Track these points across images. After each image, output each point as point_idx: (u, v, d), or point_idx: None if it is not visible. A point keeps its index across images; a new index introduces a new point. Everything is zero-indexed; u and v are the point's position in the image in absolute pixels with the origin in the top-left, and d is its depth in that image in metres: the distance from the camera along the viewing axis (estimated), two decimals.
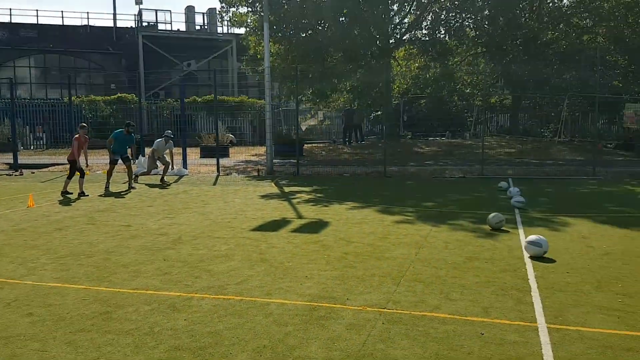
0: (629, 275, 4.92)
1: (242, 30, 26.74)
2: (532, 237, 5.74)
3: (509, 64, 22.29)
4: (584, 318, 3.88)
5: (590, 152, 15.58)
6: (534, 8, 23.32)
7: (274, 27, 21.03)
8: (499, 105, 30.23)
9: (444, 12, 22.94)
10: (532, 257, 5.59)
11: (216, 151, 17.00)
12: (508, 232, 7.01)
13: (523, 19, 22.82)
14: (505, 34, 21.89)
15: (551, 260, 5.48)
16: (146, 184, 13.36)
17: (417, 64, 26.07)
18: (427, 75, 24.80)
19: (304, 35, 22.45)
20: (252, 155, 21.66)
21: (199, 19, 39.24)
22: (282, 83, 25.28)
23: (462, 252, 5.93)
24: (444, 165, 17.11)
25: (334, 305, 4.23)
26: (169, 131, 14.25)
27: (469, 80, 27.92)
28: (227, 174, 15.82)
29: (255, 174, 15.86)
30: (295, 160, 16.19)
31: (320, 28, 22.30)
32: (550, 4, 23.49)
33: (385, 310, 4.11)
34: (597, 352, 3.31)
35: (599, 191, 10.97)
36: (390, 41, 24.02)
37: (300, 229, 7.45)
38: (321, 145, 25.92)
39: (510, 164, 16.85)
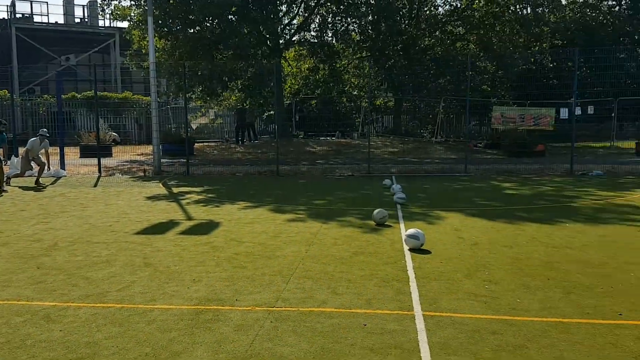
0: (495, 263, 5.42)
1: (125, 24, 25.47)
2: (410, 231, 6.12)
3: (390, 68, 23.48)
4: (456, 304, 4.21)
5: (462, 151, 16.87)
6: (413, 15, 24.79)
7: (159, 21, 20.29)
8: (384, 107, 31.70)
9: (330, 16, 23.60)
10: (411, 250, 5.95)
11: (97, 151, 16.05)
12: (391, 226, 7.39)
13: (403, 26, 24.15)
14: (387, 39, 23.03)
15: (427, 252, 5.87)
16: (19, 187, 12.29)
17: (307, 65, 26.56)
18: (317, 77, 25.38)
19: (191, 31, 21.90)
20: (138, 155, 20.71)
21: (78, 12, 36.93)
22: (170, 80, 24.49)
23: (349, 248, 6.16)
24: (334, 164, 17.61)
25: (222, 308, 4.20)
26: (44, 130, 13.28)
27: (356, 83, 28.97)
28: (110, 175, 15.00)
29: (141, 174, 15.20)
30: (185, 160, 15.75)
31: (208, 25, 21.89)
32: (428, 12, 25.11)
33: (274, 308, 4.16)
34: (467, 336, 3.61)
35: (470, 187, 11.93)
36: (280, 41, 24.21)
37: (189, 231, 7.28)
38: (213, 144, 25.46)
39: (394, 163, 17.76)
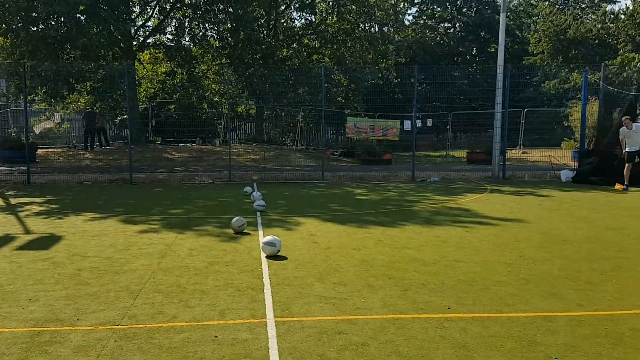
0: (344, 265, 5.74)
1: None
2: (267, 238, 6.23)
3: (251, 76, 23.68)
4: (306, 308, 4.39)
5: (320, 159, 17.54)
6: (271, 26, 25.28)
7: None
8: (246, 115, 31.78)
9: (187, 20, 23.12)
10: (268, 257, 6.07)
11: None
12: (249, 234, 7.45)
13: (262, 36, 24.51)
14: (246, 47, 23.19)
15: (284, 258, 6.03)
16: None
17: (163, 69, 25.67)
18: (174, 81, 24.67)
19: (34, 29, 20.03)
20: None
21: None
22: (10, 80, 22.12)
23: (205, 258, 6.09)
24: (194, 172, 17.22)
25: (61, 328, 3.91)
26: None
27: (217, 89, 28.65)
28: None
29: None
30: (25, 168, 14.29)
31: (53, 23, 20.17)
32: (285, 24, 25.80)
33: (119, 327, 3.97)
34: (315, 338, 3.78)
35: (326, 193, 12.46)
36: (134, 43, 23.11)
37: (26, 246, 6.64)
38: (59, 150, 23.39)
39: (255, 170, 17.87)
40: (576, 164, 15.62)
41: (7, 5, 18.65)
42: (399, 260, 5.94)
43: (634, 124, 12.45)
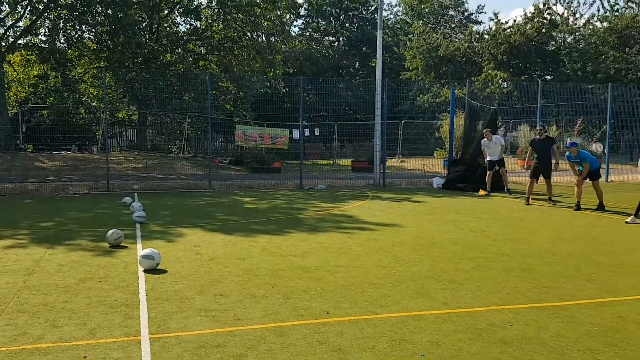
0: (228, 276, 5.70)
1: None
2: (145, 251, 6.00)
3: (132, 81, 22.70)
4: (184, 323, 4.30)
5: (208, 167, 17.26)
6: (154, 30, 24.44)
7: None
8: (128, 121, 30.31)
9: (61, 21, 21.61)
10: (146, 271, 5.85)
11: None
12: (127, 247, 7.13)
13: (144, 39, 23.61)
14: (126, 50, 22.19)
15: (163, 271, 5.85)
16: None
17: (36, 72, 23.76)
18: (48, 85, 22.91)
19: None
20: None
21: None
22: None
23: (76, 274, 5.73)
24: (69, 181, 16.10)
25: None
26: None
27: (95, 93, 27.05)
28: None
29: None
30: None
31: None
32: (168, 28, 25.09)
33: None
34: (192, 353, 3.71)
35: (213, 202, 12.28)
36: (3, 44, 21.15)
37: None
38: None
39: (137, 179, 17.11)
40: (446, 172, 16.89)
41: None
42: (282, 268, 6.03)
43: (493, 136, 13.73)
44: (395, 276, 5.73)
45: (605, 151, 19.54)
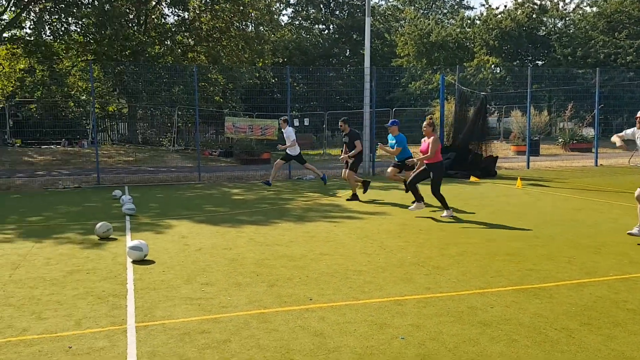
0: (214, 266, 5.75)
1: None
2: (133, 242, 6.04)
3: (120, 74, 22.57)
4: (170, 311, 4.35)
5: (198, 159, 17.23)
6: (142, 22, 24.24)
7: None
8: (118, 114, 30.16)
9: (47, 14, 21.40)
10: (134, 262, 5.89)
11: None
12: (116, 239, 7.16)
13: (131, 31, 23.42)
14: (113, 43, 22.03)
15: (151, 262, 5.90)
16: None
17: (22, 65, 23.56)
18: (34, 79, 22.74)
19: None
20: None
21: None
22: None
23: (64, 267, 5.76)
24: (58, 176, 16.06)
25: None
26: None
27: (84, 87, 26.88)
28: None
29: None
30: None
31: None
32: (156, 20, 24.88)
33: None
34: (176, 339, 3.77)
35: (202, 194, 12.30)
36: None
37: None
38: None
39: (128, 172, 17.09)
40: None
41: None
42: (268, 257, 6.08)
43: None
44: (379, 263, 5.80)
45: (595, 135, 19.70)
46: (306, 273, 5.43)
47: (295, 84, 24.97)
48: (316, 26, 46.14)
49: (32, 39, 21.86)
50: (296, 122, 18.42)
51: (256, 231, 7.65)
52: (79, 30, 22.79)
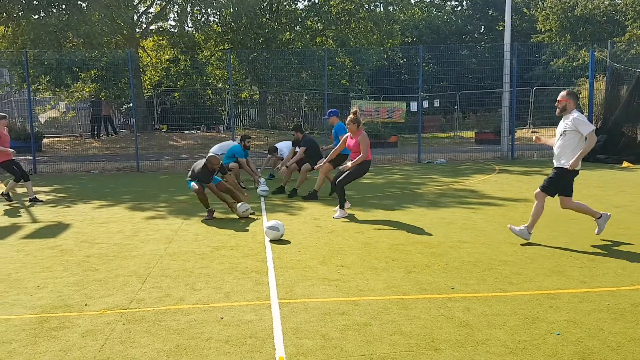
0: (347, 249, 5.76)
1: None
2: (270, 222, 6.27)
3: (253, 61, 23.56)
4: (310, 290, 4.43)
5: (324, 143, 17.46)
6: (274, 9, 25.04)
7: None
8: (250, 100, 31.69)
9: (189, 6, 22.95)
10: (271, 241, 6.11)
11: None
12: (254, 219, 7.50)
13: (264, 19, 24.30)
14: (248, 32, 23.02)
15: (287, 242, 6.07)
16: None
17: (167, 56, 25.61)
18: (178, 68, 24.63)
19: (35, 17, 19.99)
20: None
21: None
22: (12, 70, 22.18)
23: (210, 243, 6.15)
24: (200, 158, 17.21)
25: (69, 314, 3.98)
26: None
27: (220, 75, 28.58)
28: None
29: None
30: (31, 157, 14.41)
31: (54, 10, 20.12)
32: (287, 6, 25.51)
33: (127, 310, 4.04)
34: (318, 319, 3.83)
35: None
36: (137, 30, 23.05)
37: (34, 235, 6.72)
38: (65, 139, 23.51)
39: (259, 156, 17.87)
40: None
41: None
42: (402, 243, 5.96)
43: None
44: (527, 253, 5.40)
45: None
46: (445, 261, 5.22)
47: (424, 64, 24.19)
48: (448, 3, 44.31)
49: (176, 30, 23.65)
50: (425, 104, 17.91)
51: (387, 215, 7.55)
52: (217, 20, 24.19)
